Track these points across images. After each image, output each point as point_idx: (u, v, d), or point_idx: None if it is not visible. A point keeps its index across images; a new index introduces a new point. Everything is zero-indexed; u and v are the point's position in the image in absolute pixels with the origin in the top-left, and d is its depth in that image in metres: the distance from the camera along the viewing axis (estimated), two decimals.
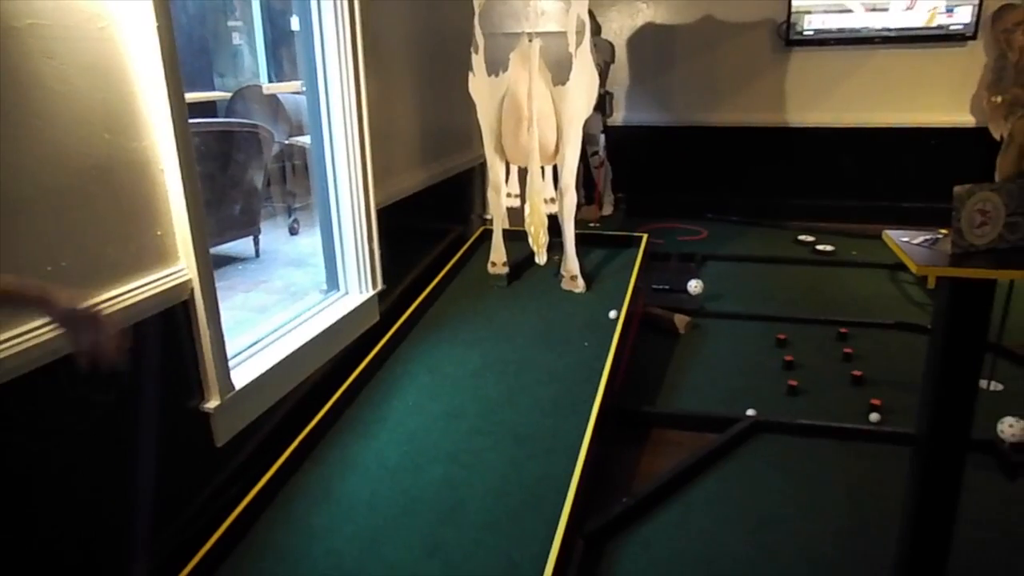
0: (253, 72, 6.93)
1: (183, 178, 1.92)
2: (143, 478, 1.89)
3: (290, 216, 5.38)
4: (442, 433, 2.58)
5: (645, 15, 6.28)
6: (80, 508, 1.73)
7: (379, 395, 2.82)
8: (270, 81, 6.64)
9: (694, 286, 4.29)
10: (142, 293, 1.85)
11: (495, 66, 3.39)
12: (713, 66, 6.22)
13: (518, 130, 3.39)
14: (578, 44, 3.29)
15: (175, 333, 2.01)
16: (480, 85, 3.50)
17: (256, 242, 4.73)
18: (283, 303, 3.84)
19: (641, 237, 4.21)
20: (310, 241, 5.20)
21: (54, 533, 1.66)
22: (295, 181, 5.44)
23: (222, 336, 2.12)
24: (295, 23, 7.13)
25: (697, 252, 5.14)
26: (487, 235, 4.08)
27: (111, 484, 1.82)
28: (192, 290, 2.01)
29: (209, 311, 2.04)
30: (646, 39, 6.33)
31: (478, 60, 3.45)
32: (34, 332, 1.54)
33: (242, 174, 4.30)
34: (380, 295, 3.19)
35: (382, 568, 1.99)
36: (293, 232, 5.32)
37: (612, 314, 3.27)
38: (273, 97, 5.47)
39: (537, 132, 3.32)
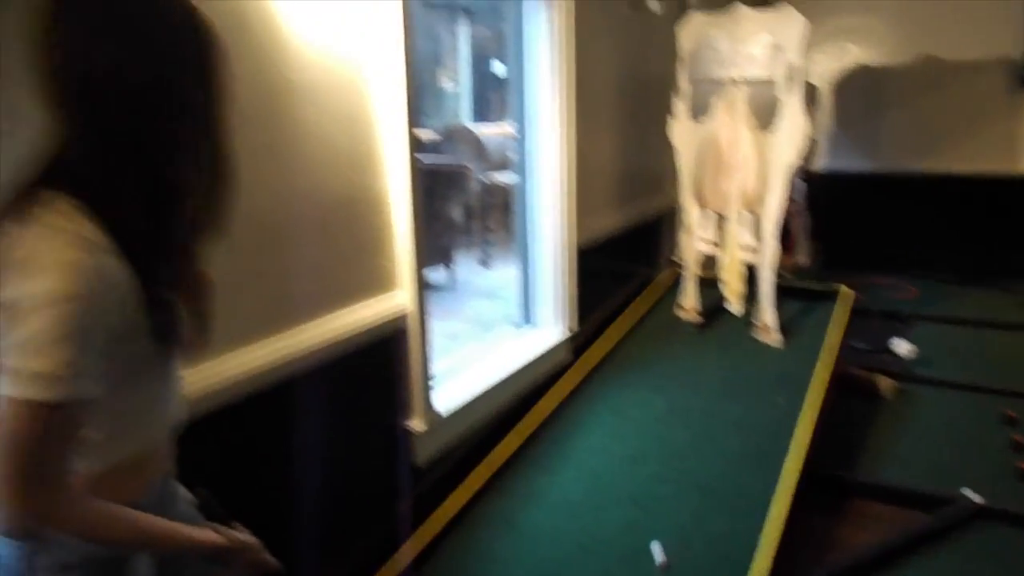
0: (456, 113, 7.45)
1: (410, 213, 2.11)
2: (351, 485, 2.07)
3: (482, 249, 5.66)
4: (625, 476, 2.56)
5: (855, 57, 5.95)
6: (287, 507, 1.91)
7: (564, 432, 2.86)
8: (473, 122, 7.10)
9: (902, 347, 3.94)
10: (367, 316, 2.04)
11: (698, 111, 3.38)
12: (932, 110, 5.74)
13: (718, 176, 3.35)
14: (789, 91, 3.20)
15: (390, 355, 2.18)
16: (681, 130, 3.50)
17: (450, 272, 5.01)
18: (474, 332, 4.03)
19: (844, 292, 3.95)
20: (500, 274, 5.43)
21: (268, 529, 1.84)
22: (490, 216, 5.72)
23: (429, 362, 2.27)
24: (499, 68, 7.56)
25: (904, 310, 4.71)
26: (677, 280, 4.03)
27: (320, 486, 2.00)
28: (408, 317, 2.18)
29: (421, 337, 2.20)
30: (853, 81, 5.99)
31: (681, 106, 3.46)
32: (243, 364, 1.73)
33: (444, 208, 4.60)
34: (571, 334, 3.25)
35: None
36: (484, 264, 5.58)
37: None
38: (475, 137, 5.82)
39: (738, 179, 3.25)
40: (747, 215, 3.54)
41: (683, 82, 3.43)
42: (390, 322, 2.14)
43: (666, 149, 3.65)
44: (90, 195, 0.81)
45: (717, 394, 3.08)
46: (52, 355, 0.75)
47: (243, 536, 1.05)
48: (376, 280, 2.11)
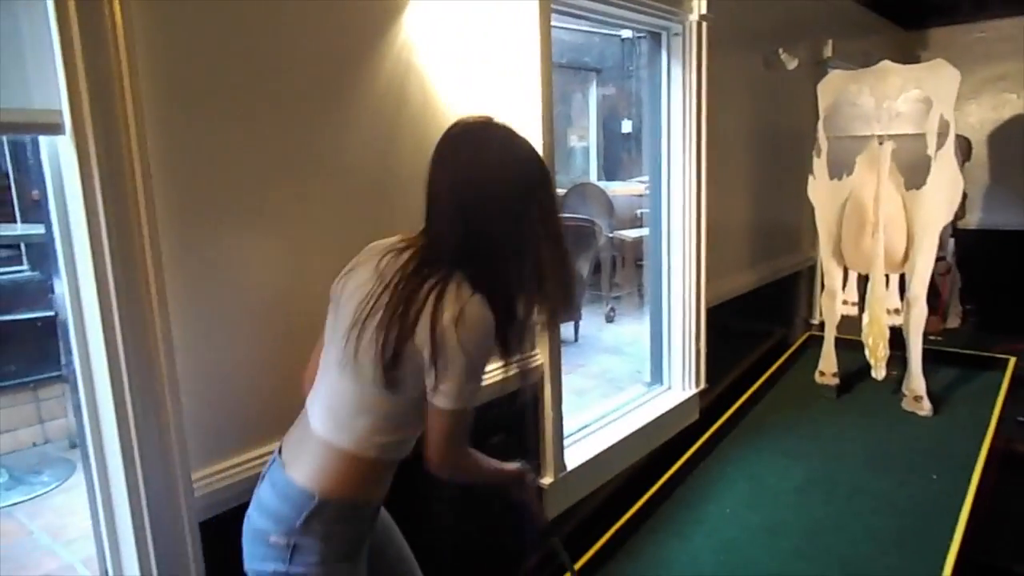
0: (584, 170, 7.58)
1: None
2: (480, 538, 2.10)
3: (608, 304, 5.66)
4: (761, 549, 2.44)
5: (1013, 107, 5.57)
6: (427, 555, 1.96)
7: (695, 496, 2.78)
8: (599, 179, 7.19)
9: None
10: (506, 372, 2.09)
11: (838, 169, 3.28)
12: None
13: (861, 235, 3.21)
14: (939, 147, 3.04)
15: (524, 412, 2.23)
16: (821, 188, 3.40)
17: (576, 327, 5.04)
18: (600, 388, 4.02)
19: (1007, 360, 3.63)
20: (625, 330, 5.40)
21: None
22: (617, 273, 5.74)
23: (562, 418, 2.30)
24: (626, 127, 7.65)
25: None
26: (813, 341, 3.87)
27: (453, 538, 2.04)
28: (543, 374, 2.22)
29: (555, 395, 2.24)
30: (1012, 133, 5.59)
31: (820, 163, 3.37)
32: None
33: (574, 263, 4.66)
34: (701, 393, 3.18)
35: None
36: (610, 320, 5.58)
37: None
38: (603, 193, 5.89)
39: (883, 238, 3.10)
40: (892, 276, 3.36)
41: (822, 139, 3.35)
42: (528, 377, 2.18)
43: (803, 206, 3.55)
44: (476, 273, 1.17)
45: (861, 466, 2.90)
46: (471, 385, 1.18)
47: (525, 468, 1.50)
48: None
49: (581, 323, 5.11)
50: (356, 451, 1.20)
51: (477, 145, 1.20)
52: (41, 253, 3.45)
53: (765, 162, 3.83)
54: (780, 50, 3.61)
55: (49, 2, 1.14)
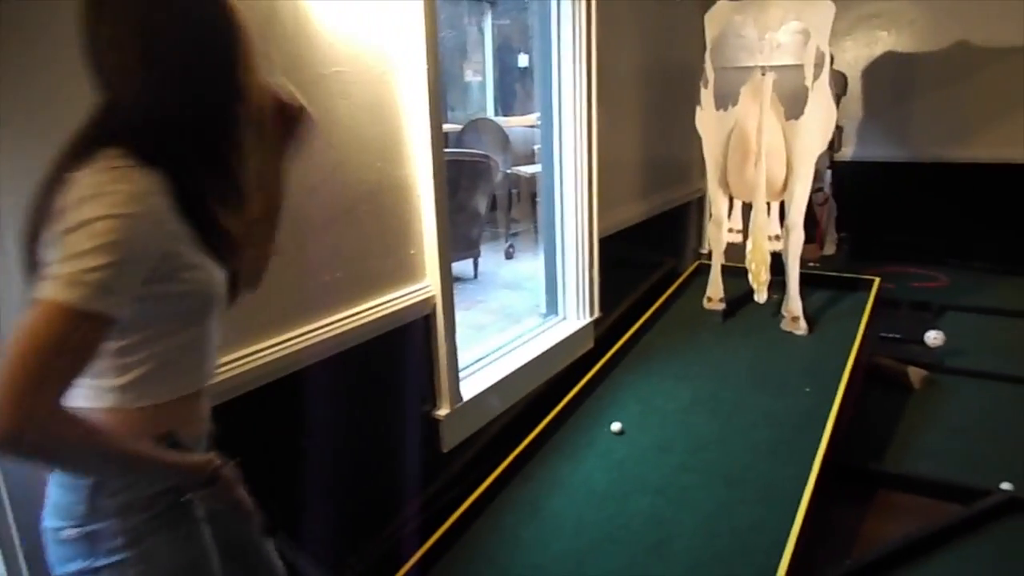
0: (480, 106, 7.46)
1: (436, 202, 2.13)
2: (377, 470, 2.10)
3: (507, 241, 5.67)
4: (650, 465, 2.57)
5: (885, 43, 5.85)
6: (315, 489, 1.95)
7: (588, 421, 2.87)
8: (496, 114, 7.10)
9: (933, 337, 3.88)
10: (395, 305, 2.07)
11: (724, 100, 3.36)
12: (964, 97, 5.62)
13: (745, 165, 3.32)
14: (816, 77, 3.16)
15: (417, 344, 2.21)
16: (707, 119, 3.48)
17: (475, 264, 5.04)
18: (499, 323, 4.05)
19: (872, 280, 3.90)
20: (524, 266, 5.45)
21: (292, 511, 1.88)
22: (514, 208, 5.74)
23: (456, 349, 2.30)
24: (523, 61, 7.54)
25: (934, 301, 4.63)
26: (702, 269, 4.02)
27: (347, 470, 2.03)
28: (435, 305, 2.20)
29: (447, 326, 2.23)
30: (884, 69, 5.88)
31: (707, 94, 3.44)
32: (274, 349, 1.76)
33: (469, 200, 4.62)
34: (595, 322, 3.26)
35: None
36: (509, 256, 5.60)
37: (615, 427, 2.79)
38: (500, 129, 5.83)
39: (765, 167, 3.23)
40: (774, 204, 3.52)
41: (709, 71, 3.41)
42: (418, 311, 2.16)
43: (694, 138, 3.64)
44: (146, 144, 0.88)
45: (744, 385, 3.07)
46: (84, 263, 0.79)
47: (225, 467, 1.03)
48: (404, 269, 2.14)
49: (480, 259, 5.11)
50: (100, 404, 0.93)
51: None
52: None
53: (656, 95, 3.88)
54: None
55: None
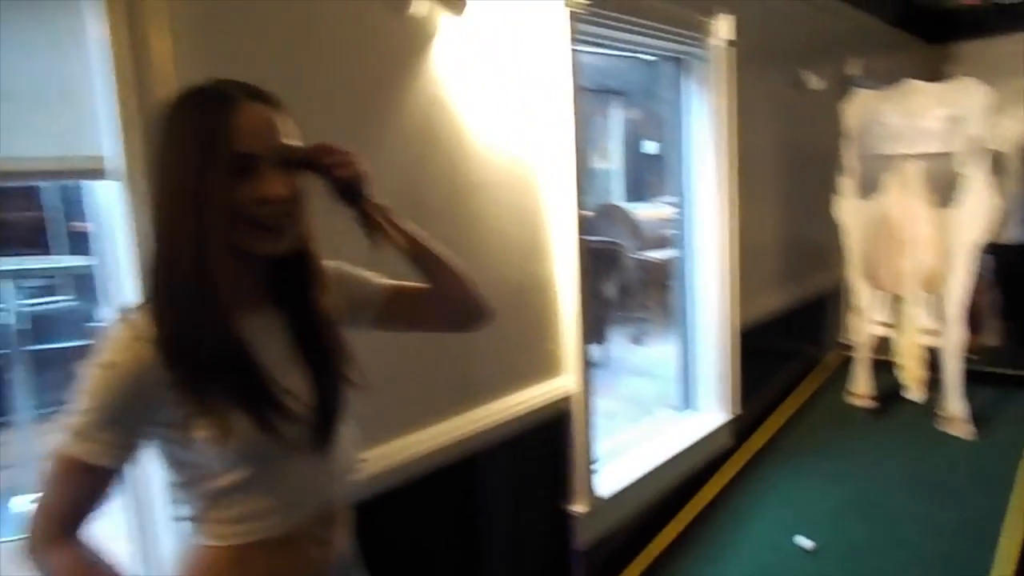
0: (607, 192, 7.59)
1: (577, 298, 2.18)
2: (511, 565, 2.10)
3: (634, 326, 5.64)
4: (798, 572, 2.40)
5: None
6: None
7: (729, 520, 2.74)
8: (626, 200, 7.19)
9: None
10: (534, 401, 2.11)
11: (868, 187, 3.25)
12: None
13: (891, 255, 3.18)
14: (972, 164, 3.01)
15: (553, 439, 2.23)
16: (848, 207, 3.37)
17: (604, 350, 5.02)
18: (629, 411, 3.99)
19: None
20: (652, 351, 5.37)
21: None
22: (644, 294, 5.72)
23: (592, 445, 2.29)
24: (650, 147, 7.63)
25: None
26: (846, 363, 3.81)
27: (484, 564, 2.04)
28: (572, 400, 2.23)
29: (585, 422, 2.24)
30: None
31: (847, 182, 3.35)
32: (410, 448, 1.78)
33: (599, 286, 4.67)
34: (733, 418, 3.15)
35: None
36: (636, 342, 5.55)
37: (805, 543, 2.52)
38: (628, 214, 5.89)
39: (914, 258, 3.07)
40: (925, 295, 3.32)
41: (849, 159, 3.33)
42: (556, 405, 2.19)
43: (831, 225, 3.53)
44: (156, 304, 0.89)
45: (900, 489, 2.84)
46: (72, 408, 0.87)
47: None
48: (543, 363, 2.19)
49: (608, 345, 5.09)
50: (193, 534, 0.97)
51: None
52: (80, 283, 3.55)
53: (792, 181, 3.81)
54: (805, 71, 3.61)
55: (109, 64, 1.22)
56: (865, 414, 3.46)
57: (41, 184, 3.39)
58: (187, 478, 0.94)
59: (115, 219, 1.30)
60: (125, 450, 0.88)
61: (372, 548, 1.20)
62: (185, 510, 0.96)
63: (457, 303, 1.17)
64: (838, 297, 4.35)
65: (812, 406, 3.67)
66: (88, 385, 0.86)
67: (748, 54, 3.05)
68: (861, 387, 3.50)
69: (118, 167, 1.25)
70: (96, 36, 1.22)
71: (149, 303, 0.89)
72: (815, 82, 3.64)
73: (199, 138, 0.86)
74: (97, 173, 1.26)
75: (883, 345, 3.46)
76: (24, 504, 2.93)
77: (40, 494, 0.88)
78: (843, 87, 4.04)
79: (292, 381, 0.95)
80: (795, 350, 4.02)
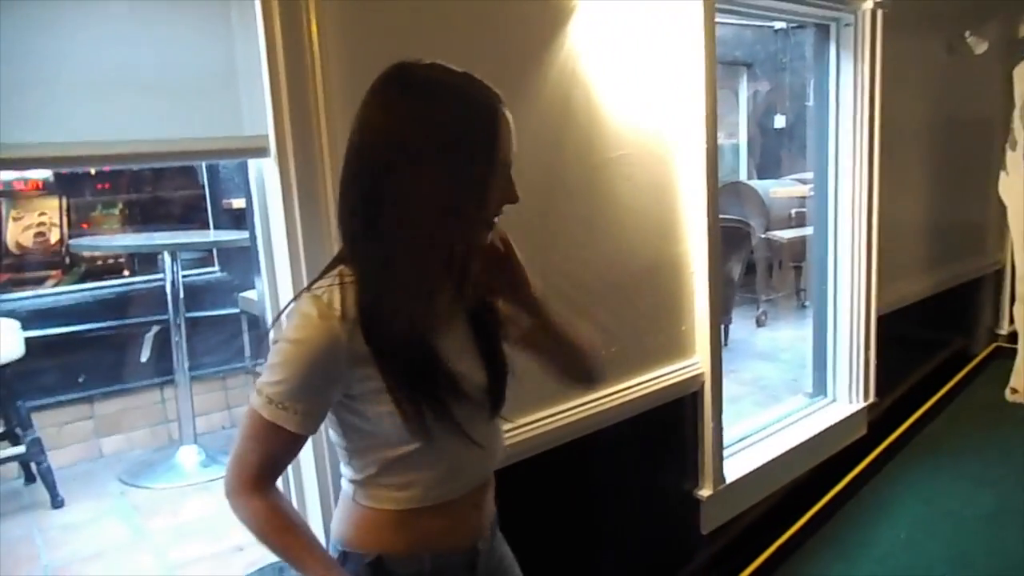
0: (732, 168, 7.30)
1: (709, 279, 2.12)
2: (636, 545, 2.09)
3: (759, 308, 5.42)
4: None
5: None
6: (577, 559, 1.97)
7: (863, 517, 2.61)
8: (749, 177, 6.90)
9: None
10: (664, 381, 2.07)
11: None
12: None
13: None
14: None
15: (682, 421, 2.19)
16: (1015, 185, 3.07)
17: (726, 331, 4.86)
18: (753, 395, 3.86)
19: None
20: (778, 335, 5.16)
21: None
22: (771, 276, 5.49)
23: (722, 429, 2.23)
24: (779, 122, 7.27)
25: None
26: (1000, 354, 3.50)
27: (610, 545, 2.04)
28: (703, 383, 2.17)
29: (715, 404, 2.18)
30: None
31: (1015, 157, 3.05)
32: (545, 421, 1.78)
33: (725, 266, 4.51)
34: (869, 407, 2.97)
35: None
36: (760, 324, 5.35)
37: None
38: (756, 192, 5.65)
39: None
40: None
41: (1018, 131, 3.02)
42: (685, 385, 2.15)
43: (989, 205, 3.23)
44: (354, 269, 0.92)
45: None
46: (268, 377, 0.91)
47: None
48: (675, 346, 2.14)
49: (731, 327, 4.93)
50: (355, 496, 1.03)
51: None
52: (228, 256, 3.82)
53: (945, 156, 3.51)
54: (967, 33, 3.29)
55: (261, 46, 1.27)
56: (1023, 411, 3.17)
57: (197, 163, 3.68)
58: (361, 445, 0.99)
59: (270, 197, 1.36)
60: (313, 418, 0.93)
61: (506, 515, 1.23)
62: (353, 473, 1.02)
63: (575, 372, 1.19)
64: (996, 284, 3.99)
65: (961, 400, 3.40)
66: (282, 358, 0.90)
67: (899, 16, 2.82)
68: (1021, 381, 3.20)
69: (273, 147, 1.31)
70: (250, 21, 1.27)
71: (360, 278, 0.91)
72: (977, 45, 3.32)
73: (477, 140, 0.89)
74: (259, 152, 1.32)
75: None
76: (189, 454, 3.24)
77: (237, 445, 0.95)
78: (1011, 51, 3.65)
79: (465, 365, 0.99)
80: (943, 340, 3.73)
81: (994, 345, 3.78)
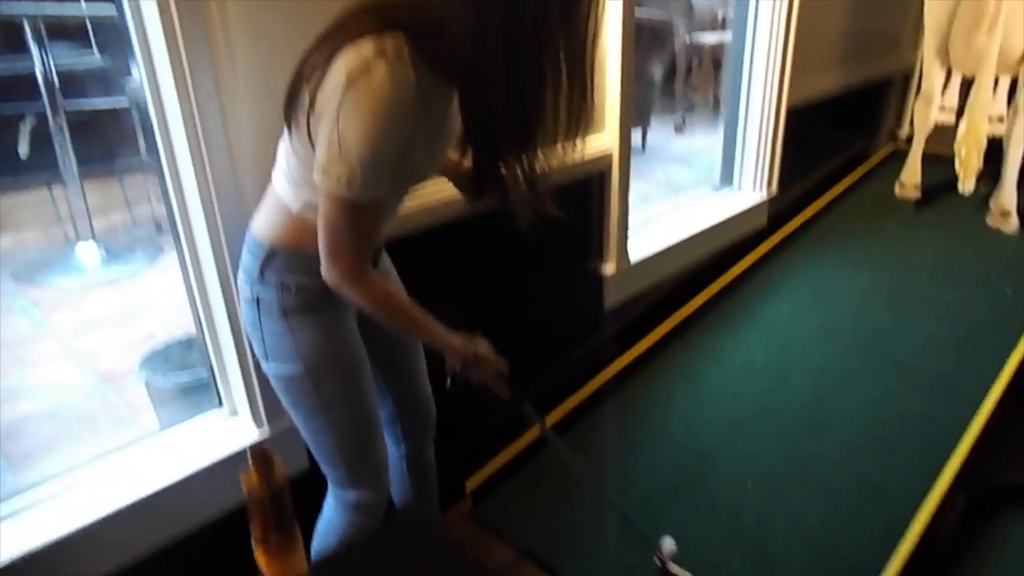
0: None
1: (622, 59, 2.05)
2: (541, 319, 2.19)
3: (678, 114, 5.41)
4: (815, 347, 2.49)
5: None
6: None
7: (754, 297, 2.80)
8: None
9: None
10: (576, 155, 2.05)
11: None
12: None
13: (974, 31, 2.89)
14: None
15: (589, 199, 2.21)
16: None
17: (644, 135, 4.87)
18: (663, 194, 3.95)
19: None
20: (695, 141, 5.21)
21: None
22: (692, 78, 5.42)
23: (628, 209, 2.28)
24: None
25: None
26: (895, 155, 3.66)
27: (513, 317, 2.12)
28: (611, 162, 2.17)
29: (622, 183, 2.20)
30: None
31: None
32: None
33: (644, 66, 4.41)
34: (770, 201, 3.09)
35: (738, 458, 2.03)
36: (679, 130, 5.37)
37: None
38: None
39: (1001, 34, 2.79)
40: (1002, 80, 3.07)
41: None
42: (593, 164, 2.14)
43: (910, 5, 3.19)
44: (429, 45, 0.89)
45: (929, 277, 2.84)
46: (351, 158, 0.90)
47: (489, 355, 1.24)
48: None
49: (649, 132, 4.93)
50: (294, 209, 1.07)
51: None
52: (108, 40, 3.44)
53: None
54: None
55: None
56: (909, 206, 3.37)
57: None
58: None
59: None
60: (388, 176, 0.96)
61: (419, 283, 1.27)
62: (298, 192, 1.06)
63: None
64: (903, 88, 4.08)
65: (854, 195, 3.59)
66: (364, 132, 0.88)
67: None
68: (911, 176, 3.38)
69: None
70: None
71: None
72: None
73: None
74: None
75: (941, 138, 3.29)
76: (89, 251, 3.09)
77: (327, 237, 0.99)
78: None
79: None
80: (846, 139, 3.85)
81: (892, 147, 3.94)
